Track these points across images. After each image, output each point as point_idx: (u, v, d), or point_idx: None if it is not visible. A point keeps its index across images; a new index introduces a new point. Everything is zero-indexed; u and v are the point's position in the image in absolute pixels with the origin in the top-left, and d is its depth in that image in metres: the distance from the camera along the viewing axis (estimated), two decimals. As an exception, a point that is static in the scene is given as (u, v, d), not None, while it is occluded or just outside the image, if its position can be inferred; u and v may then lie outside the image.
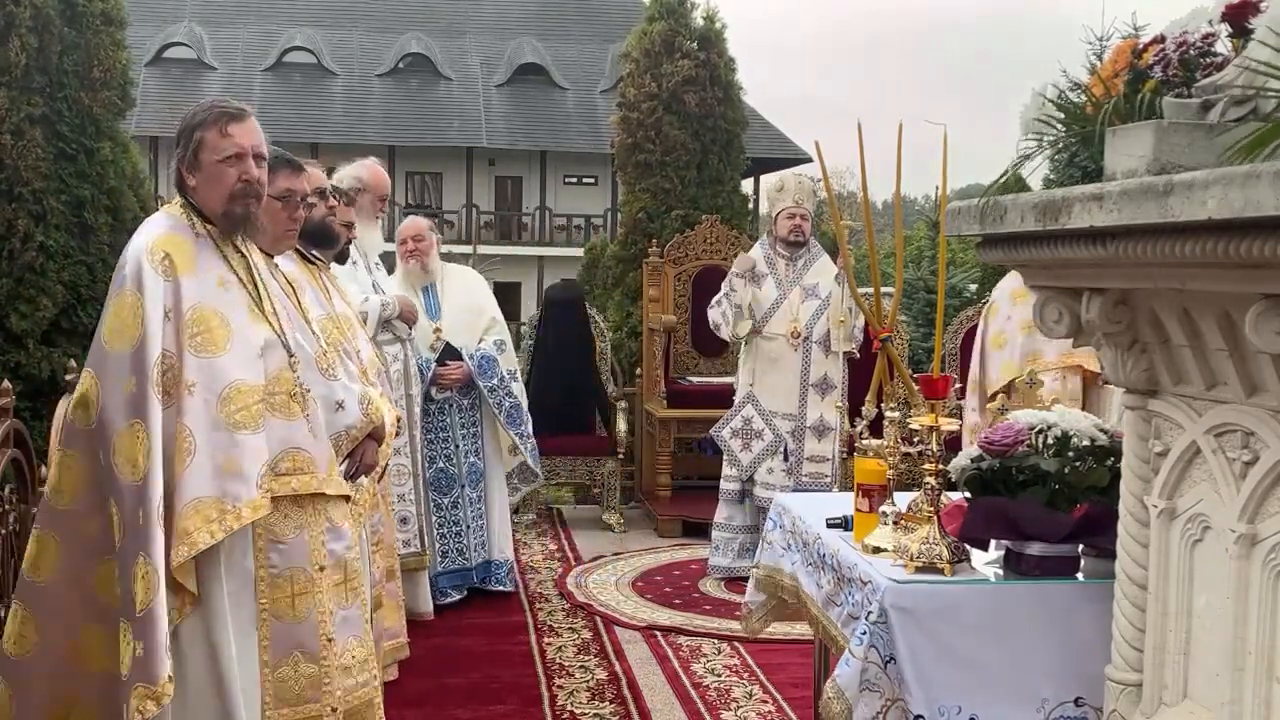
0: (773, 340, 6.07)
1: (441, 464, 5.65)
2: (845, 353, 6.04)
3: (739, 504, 6.18)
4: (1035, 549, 2.73)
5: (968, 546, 2.81)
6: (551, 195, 31.19)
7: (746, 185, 12.43)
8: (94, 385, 2.74)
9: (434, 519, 5.58)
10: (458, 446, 5.72)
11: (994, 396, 5.29)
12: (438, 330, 5.67)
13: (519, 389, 5.86)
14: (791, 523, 3.40)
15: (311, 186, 3.55)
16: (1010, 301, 5.41)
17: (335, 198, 4.18)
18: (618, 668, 4.84)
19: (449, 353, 5.68)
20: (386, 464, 3.71)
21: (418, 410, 5.30)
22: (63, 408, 4.38)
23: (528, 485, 6.24)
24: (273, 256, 3.18)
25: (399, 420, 3.65)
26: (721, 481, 6.24)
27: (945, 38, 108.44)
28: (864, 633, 2.63)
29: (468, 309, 5.82)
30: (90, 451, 2.75)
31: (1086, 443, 2.76)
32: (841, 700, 2.62)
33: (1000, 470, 2.77)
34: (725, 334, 6.13)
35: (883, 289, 4.62)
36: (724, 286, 6.09)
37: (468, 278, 6.03)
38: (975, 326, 7.66)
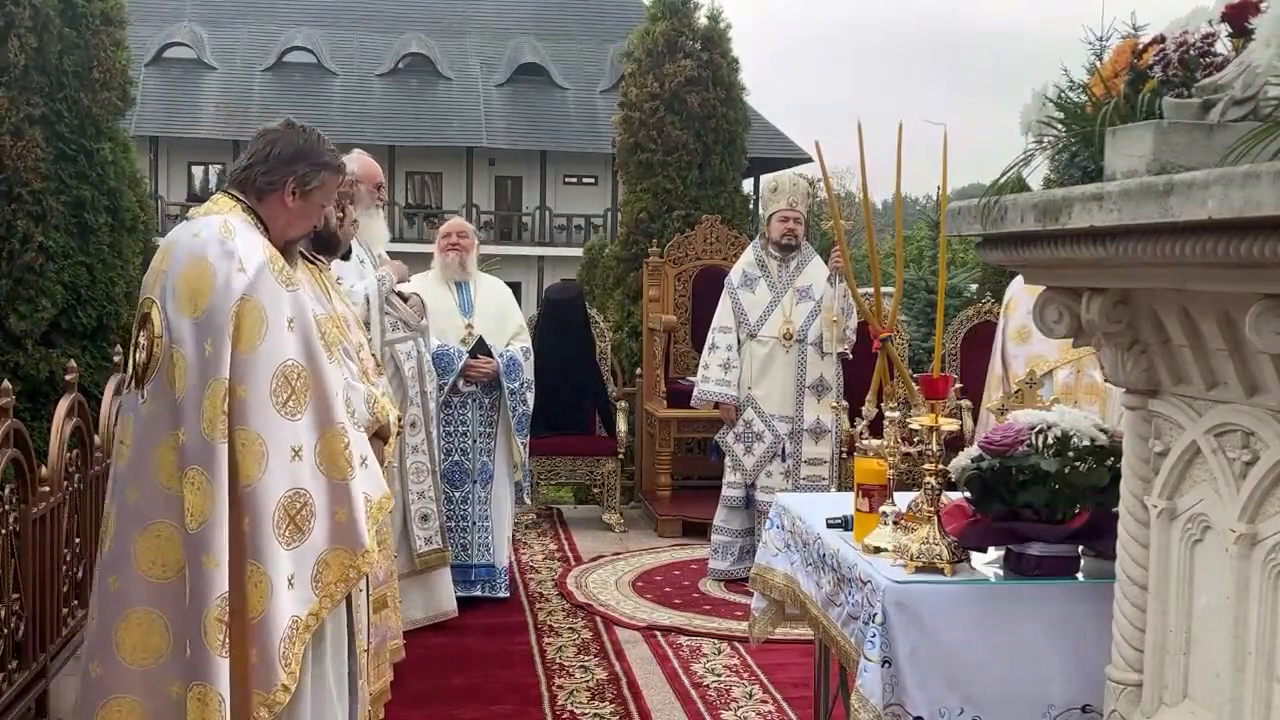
0: (766, 344, 6.08)
1: (457, 457, 5.70)
2: (838, 354, 6.05)
3: (741, 509, 6.17)
4: (1035, 549, 2.73)
5: (968, 546, 2.82)
6: (551, 195, 31.20)
7: (747, 185, 12.42)
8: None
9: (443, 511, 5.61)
10: (474, 443, 5.75)
11: (1017, 392, 5.34)
12: (469, 326, 5.78)
13: (532, 399, 5.91)
14: (791, 523, 3.40)
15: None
16: (1030, 296, 5.44)
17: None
18: (618, 668, 4.84)
19: (480, 348, 5.75)
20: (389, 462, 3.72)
21: (432, 406, 5.30)
22: (63, 408, 4.39)
23: (517, 506, 6.20)
24: None
25: (400, 419, 3.67)
26: (724, 487, 6.23)
27: (948, 38, 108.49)
28: (875, 635, 2.63)
29: (496, 313, 5.97)
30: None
31: (1086, 443, 2.76)
32: (868, 708, 2.61)
33: (1000, 470, 2.76)
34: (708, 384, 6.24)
35: (883, 289, 4.62)
36: (710, 337, 6.27)
37: (497, 286, 6.17)
38: (976, 326, 7.71)
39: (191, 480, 2.63)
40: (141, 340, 2.77)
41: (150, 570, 2.70)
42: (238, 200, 2.86)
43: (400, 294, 5.13)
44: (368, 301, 4.85)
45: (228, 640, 2.61)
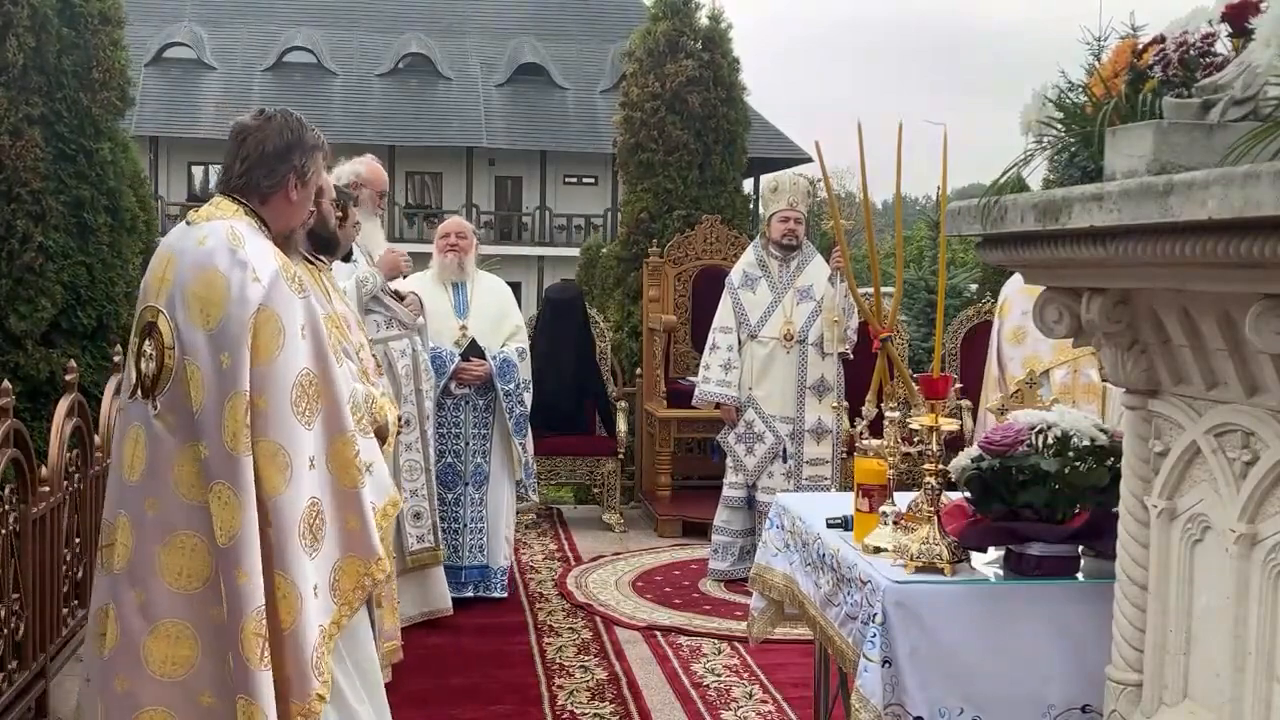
0: (767, 345, 6.07)
1: (450, 459, 5.71)
2: (839, 354, 6.04)
3: (742, 509, 6.16)
4: (1035, 549, 2.73)
5: (968, 547, 2.81)
6: (551, 195, 31.20)
7: (747, 185, 12.41)
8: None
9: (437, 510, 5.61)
10: (467, 445, 5.75)
11: (1016, 392, 5.34)
12: (464, 327, 5.77)
13: (529, 400, 5.89)
14: (791, 523, 3.40)
15: (330, 191, 3.58)
16: (1026, 296, 5.44)
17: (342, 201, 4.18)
18: (618, 668, 4.84)
19: (473, 350, 5.74)
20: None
21: (428, 405, 5.30)
22: (62, 408, 4.39)
23: (521, 504, 6.21)
24: None
25: (400, 418, 3.67)
26: (725, 487, 6.22)
27: (948, 38, 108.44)
28: (875, 635, 2.63)
29: (494, 313, 5.94)
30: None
31: (1086, 443, 2.76)
32: (869, 708, 2.61)
33: (1000, 470, 2.76)
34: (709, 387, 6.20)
35: (883, 289, 4.62)
36: (710, 337, 6.22)
37: (496, 285, 6.15)
38: (976, 326, 7.71)
39: (219, 495, 2.62)
40: (149, 350, 2.73)
41: (175, 581, 2.69)
42: (239, 204, 2.84)
43: (397, 292, 5.12)
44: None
45: (267, 653, 2.60)
